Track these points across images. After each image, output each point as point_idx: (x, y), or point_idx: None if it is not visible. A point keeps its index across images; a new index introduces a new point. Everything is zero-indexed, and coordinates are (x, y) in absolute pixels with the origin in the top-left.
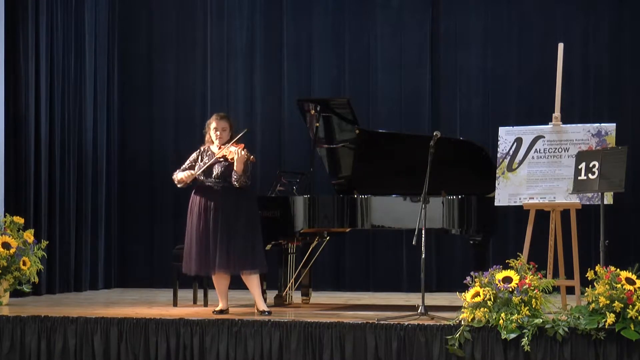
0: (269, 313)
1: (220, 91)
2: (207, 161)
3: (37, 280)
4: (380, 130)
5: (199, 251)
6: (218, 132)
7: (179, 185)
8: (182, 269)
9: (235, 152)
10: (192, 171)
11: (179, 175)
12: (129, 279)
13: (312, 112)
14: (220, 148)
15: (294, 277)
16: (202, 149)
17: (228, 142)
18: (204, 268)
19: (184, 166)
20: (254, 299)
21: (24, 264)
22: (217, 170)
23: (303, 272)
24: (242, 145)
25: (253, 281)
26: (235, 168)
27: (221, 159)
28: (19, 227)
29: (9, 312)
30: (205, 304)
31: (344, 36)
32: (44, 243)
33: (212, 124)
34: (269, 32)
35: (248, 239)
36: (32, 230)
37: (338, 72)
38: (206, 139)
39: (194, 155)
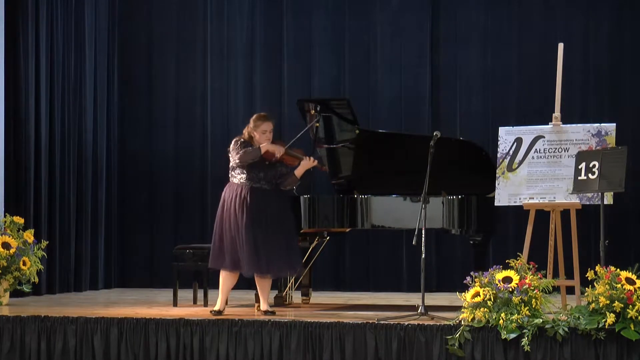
0: (274, 313)
1: (220, 91)
2: (255, 160)
3: (37, 280)
4: (380, 130)
5: (252, 252)
6: (266, 134)
7: (246, 161)
8: (213, 264)
9: (301, 158)
10: (282, 147)
11: (267, 147)
12: (129, 279)
13: (312, 112)
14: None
15: (294, 277)
16: (243, 141)
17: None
18: (254, 269)
19: (240, 146)
20: (261, 298)
21: (24, 264)
22: (267, 172)
23: (303, 272)
24: (301, 150)
25: (267, 282)
26: (296, 172)
27: (269, 161)
28: (19, 227)
29: (9, 312)
30: (205, 304)
31: (344, 36)
32: (44, 243)
33: (261, 127)
34: (269, 32)
35: (289, 241)
36: (32, 230)
37: (338, 72)
38: (245, 134)
39: (242, 143)
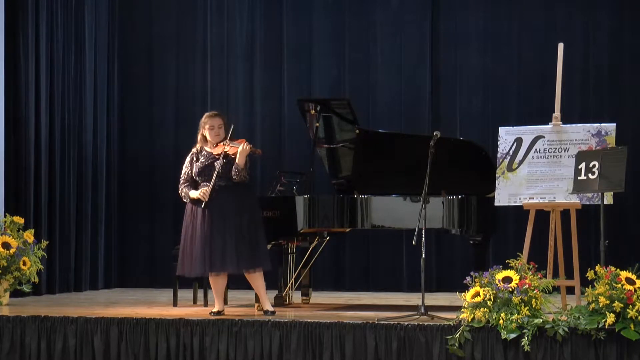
0: (274, 313)
1: (220, 91)
2: (205, 162)
3: (37, 280)
4: (380, 130)
5: (204, 251)
6: (214, 130)
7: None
8: (178, 270)
9: (239, 146)
10: (206, 188)
11: (192, 194)
12: (129, 279)
13: (312, 112)
14: (216, 146)
15: (294, 277)
16: (194, 151)
17: (224, 139)
18: (210, 268)
19: (184, 177)
20: (259, 298)
21: (24, 264)
22: (218, 169)
23: (303, 272)
24: (244, 140)
25: (258, 280)
26: (237, 161)
27: (219, 157)
28: (19, 227)
29: (9, 312)
30: (205, 304)
31: (344, 36)
32: (44, 243)
33: (207, 123)
34: (269, 32)
35: (253, 236)
36: (32, 230)
37: (338, 72)
38: (198, 139)
39: (187, 161)
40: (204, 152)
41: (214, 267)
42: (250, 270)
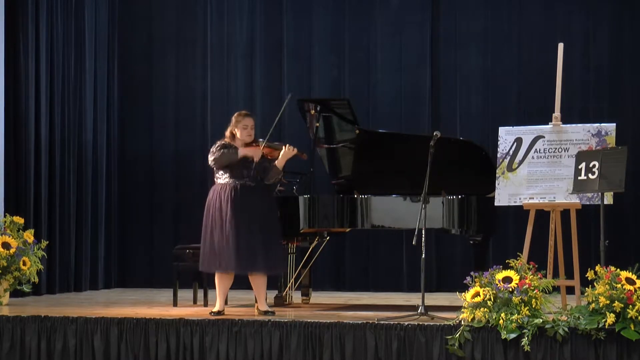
0: (273, 313)
1: (220, 91)
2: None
3: (37, 280)
4: (380, 130)
5: (228, 249)
6: (247, 130)
7: (221, 164)
8: (201, 267)
9: (281, 148)
10: (260, 150)
11: (241, 152)
12: (129, 279)
13: (312, 112)
14: (247, 146)
15: (294, 277)
16: (223, 144)
17: (255, 141)
18: (229, 267)
19: (220, 143)
20: (257, 298)
21: (24, 264)
22: (250, 169)
23: (303, 272)
24: (282, 143)
25: (261, 281)
26: (276, 163)
27: (252, 158)
28: (19, 227)
29: (9, 312)
30: (205, 304)
31: (344, 36)
32: (44, 243)
33: (241, 122)
34: (269, 32)
35: (273, 240)
36: (32, 230)
37: (338, 72)
38: (226, 135)
39: (221, 142)
40: (232, 150)
41: (236, 267)
42: (262, 272)
